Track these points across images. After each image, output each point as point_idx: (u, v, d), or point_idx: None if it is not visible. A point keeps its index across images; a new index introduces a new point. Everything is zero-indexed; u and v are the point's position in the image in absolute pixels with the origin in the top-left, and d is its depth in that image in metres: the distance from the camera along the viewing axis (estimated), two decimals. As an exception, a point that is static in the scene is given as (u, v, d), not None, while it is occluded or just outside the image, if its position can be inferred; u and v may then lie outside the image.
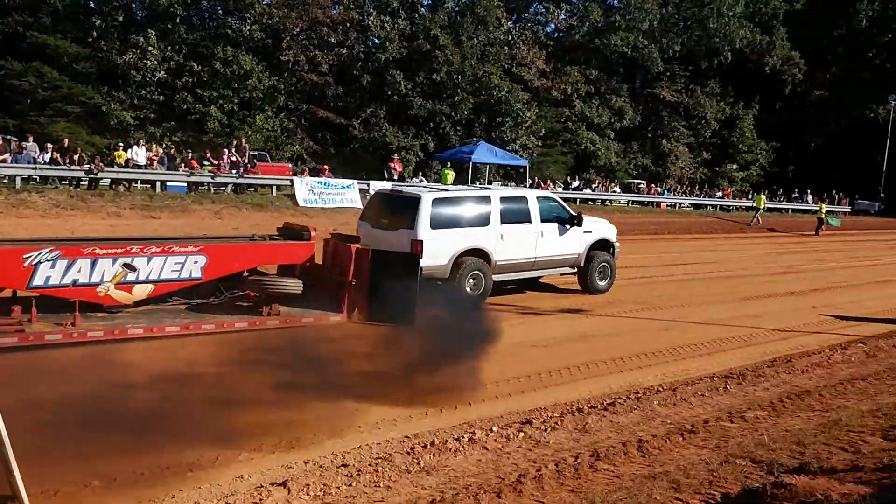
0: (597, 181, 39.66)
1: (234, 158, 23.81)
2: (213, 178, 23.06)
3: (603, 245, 12.60)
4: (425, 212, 10.23)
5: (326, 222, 16.36)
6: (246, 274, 8.58)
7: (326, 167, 27.11)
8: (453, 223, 10.65)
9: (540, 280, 12.56)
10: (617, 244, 13.03)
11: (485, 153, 30.21)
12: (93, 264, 7.40)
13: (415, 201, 10.44)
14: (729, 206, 43.09)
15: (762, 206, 35.67)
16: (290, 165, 28.36)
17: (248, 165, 24.20)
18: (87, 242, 8.08)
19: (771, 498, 4.18)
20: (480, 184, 31.30)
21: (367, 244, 9.06)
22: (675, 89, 46.43)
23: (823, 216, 33.93)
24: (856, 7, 53.91)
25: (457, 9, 35.93)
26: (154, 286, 7.89)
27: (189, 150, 26.15)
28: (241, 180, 23.44)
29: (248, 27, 32.50)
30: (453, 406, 6.38)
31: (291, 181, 23.72)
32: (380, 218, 10.95)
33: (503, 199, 11.42)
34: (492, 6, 35.91)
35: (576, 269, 12.37)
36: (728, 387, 7.28)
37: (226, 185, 23.56)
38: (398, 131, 33.46)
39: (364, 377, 6.82)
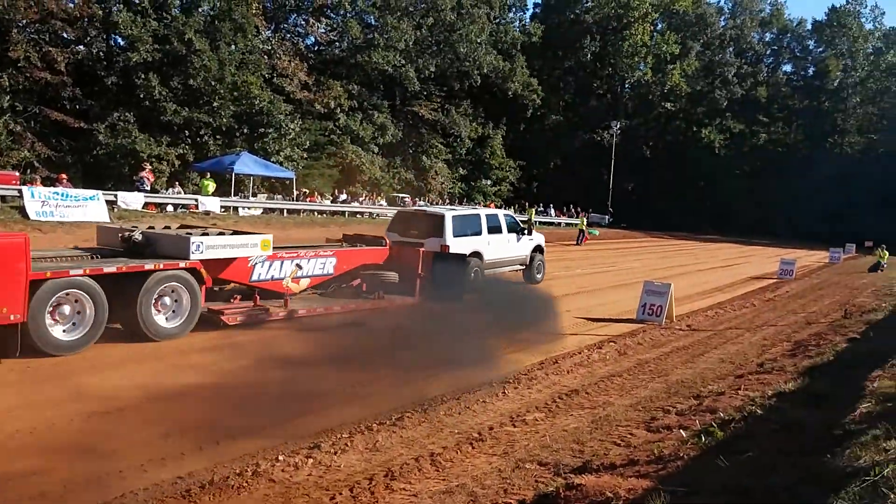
0: (363, 194, 40.04)
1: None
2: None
3: (539, 249, 17.42)
4: (449, 225, 14.03)
5: (66, 237, 14.31)
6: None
7: (64, 176, 23.90)
8: (463, 233, 14.42)
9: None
10: (544, 249, 17.86)
11: (248, 164, 28.94)
12: (281, 264, 10.36)
13: (441, 218, 14.30)
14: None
15: (532, 219, 38.36)
16: (18, 174, 24.50)
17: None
18: (277, 249, 10.44)
19: (565, 500, 4.28)
20: (243, 195, 29.88)
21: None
22: (433, 108, 48.73)
23: (584, 228, 38.43)
24: (581, 43, 61.08)
25: (213, 13, 33.98)
26: (310, 279, 11.03)
27: None
28: (-49, 190, 19.67)
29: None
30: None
31: (20, 191, 20.37)
32: (408, 230, 14.51)
33: (486, 216, 15.71)
34: (249, 13, 34.54)
35: (524, 267, 16.70)
36: (506, 391, 7.50)
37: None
38: (150, 138, 30.55)
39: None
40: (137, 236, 9.20)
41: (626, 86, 67.47)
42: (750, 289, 20.23)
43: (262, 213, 28.88)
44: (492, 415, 6.70)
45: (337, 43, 44.46)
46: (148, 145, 30.20)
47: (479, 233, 14.93)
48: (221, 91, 32.59)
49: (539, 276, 17.18)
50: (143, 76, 30.69)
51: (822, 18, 68.06)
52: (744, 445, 4.53)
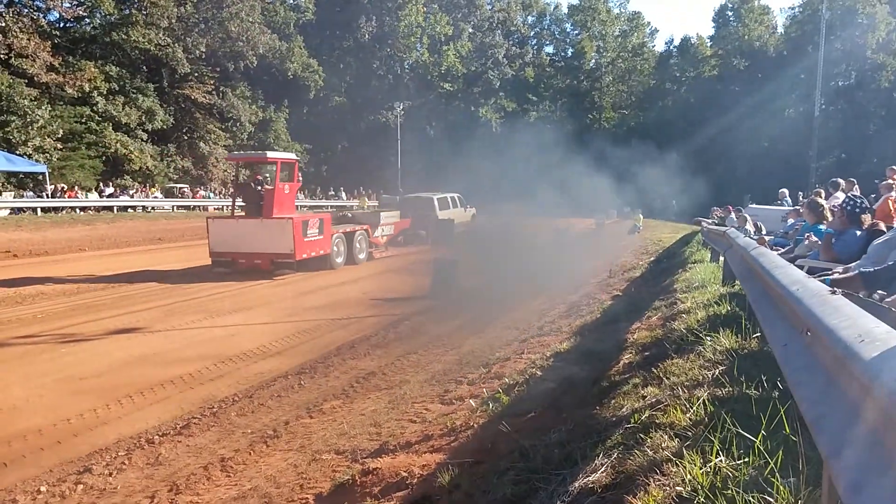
0: (134, 186, 36.78)
1: None
2: None
3: (475, 215, 28.10)
4: (436, 203, 24.64)
5: None
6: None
7: None
8: (444, 207, 25.02)
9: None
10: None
11: (-11, 159, 25.34)
12: (382, 230, 20.00)
13: (431, 199, 24.76)
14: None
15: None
16: None
17: None
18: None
19: (360, 487, 4.24)
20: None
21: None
22: (207, 90, 45.96)
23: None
24: (358, 23, 61.07)
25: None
26: (387, 237, 20.46)
27: None
28: None
29: None
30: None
31: None
32: (411, 207, 23.44)
33: (452, 198, 26.19)
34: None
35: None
36: (302, 382, 7.30)
37: None
38: None
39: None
40: (349, 214, 20.73)
41: (406, 66, 68.78)
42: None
43: (10, 213, 25.41)
44: (287, 409, 6.49)
45: (87, 19, 40.04)
46: None
47: (449, 208, 25.57)
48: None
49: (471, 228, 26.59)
50: None
51: (577, 2, 74.36)
52: (526, 406, 4.78)
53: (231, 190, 28.21)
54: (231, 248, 15.91)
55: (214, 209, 38.23)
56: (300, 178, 18.63)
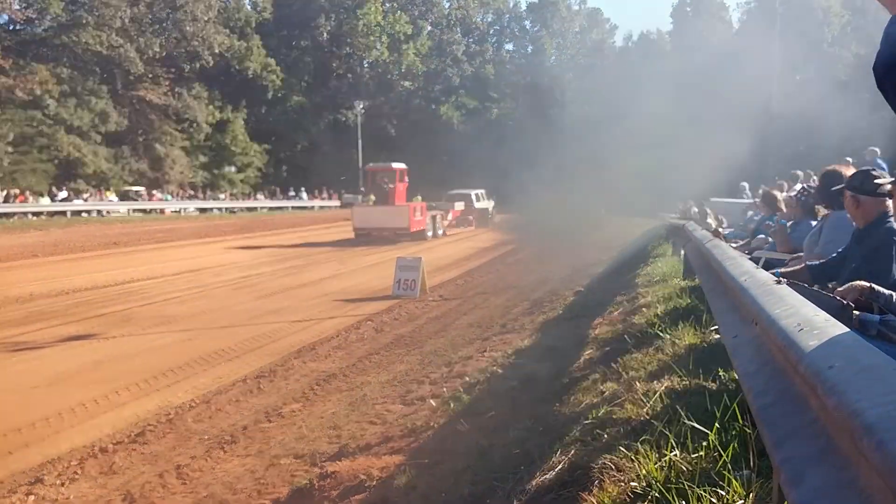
0: (88, 190, 35.91)
1: None
2: None
3: (493, 206, 36.60)
4: (474, 197, 33.86)
5: None
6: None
7: None
8: (479, 200, 34.36)
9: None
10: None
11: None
12: (449, 214, 29.56)
13: (470, 194, 33.20)
14: (234, 207, 43.99)
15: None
16: None
17: None
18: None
19: (319, 491, 4.19)
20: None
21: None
22: (162, 91, 45.11)
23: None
24: (316, 22, 60.57)
25: None
26: (447, 222, 29.04)
27: None
28: None
29: None
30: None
31: None
32: (456, 200, 31.92)
33: (479, 194, 34.59)
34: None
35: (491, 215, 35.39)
36: (262, 386, 7.17)
37: None
38: None
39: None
40: (433, 204, 28.02)
41: (365, 65, 68.43)
42: (495, 255, 21.75)
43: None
44: (246, 413, 6.36)
45: (37, 22, 38.98)
46: None
47: (482, 200, 34.10)
48: None
49: (494, 219, 34.75)
50: None
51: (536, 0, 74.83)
52: (487, 405, 4.77)
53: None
54: (367, 225, 25.36)
55: (171, 212, 37.55)
56: (408, 180, 28.02)
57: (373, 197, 26.88)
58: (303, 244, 24.98)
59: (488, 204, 35.30)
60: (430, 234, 26.12)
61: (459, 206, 31.51)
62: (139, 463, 5.25)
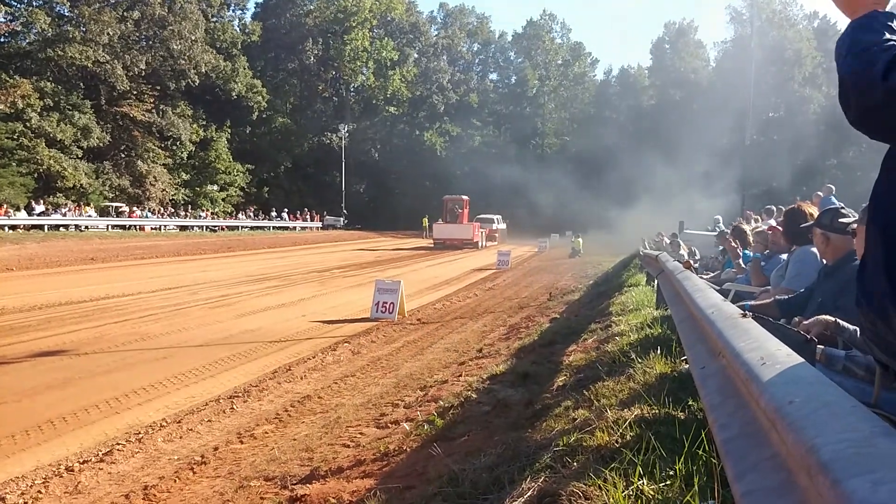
0: (67, 205, 35.53)
1: None
2: None
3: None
4: (497, 220, 49.95)
5: None
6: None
7: None
8: (498, 224, 50.69)
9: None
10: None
11: None
12: (483, 232, 44.60)
13: (492, 218, 48.67)
14: (215, 226, 43.73)
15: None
16: None
17: None
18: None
19: (288, 514, 4.14)
20: None
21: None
22: (146, 109, 44.96)
23: None
24: (304, 45, 60.95)
25: None
26: (484, 235, 44.24)
27: None
28: None
29: None
30: None
31: None
32: (483, 223, 46.05)
33: (498, 217, 50.85)
34: None
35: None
36: (235, 406, 7.10)
37: None
38: None
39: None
40: (456, 207, 45.17)
41: (351, 89, 68.84)
42: (473, 280, 21.83)
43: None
44: (217, 434, 6.28)
45: (22, 35, 38.84)
46: None
47: (500, 223, 48.76)
48: None
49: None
50: None
51: (521, 31, 75.96)
52: (460, 430, 4.77)
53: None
54: (443, 237, 40.53)
55: (151, 229, 37.25)
56: (469, 206, 45.21)
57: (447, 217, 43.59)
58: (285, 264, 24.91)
59: (503, 226, 50.02)
60: (481, 244, 41.51)
61: (488, 226, 45.10)
62: (105, 483, 5.16)
